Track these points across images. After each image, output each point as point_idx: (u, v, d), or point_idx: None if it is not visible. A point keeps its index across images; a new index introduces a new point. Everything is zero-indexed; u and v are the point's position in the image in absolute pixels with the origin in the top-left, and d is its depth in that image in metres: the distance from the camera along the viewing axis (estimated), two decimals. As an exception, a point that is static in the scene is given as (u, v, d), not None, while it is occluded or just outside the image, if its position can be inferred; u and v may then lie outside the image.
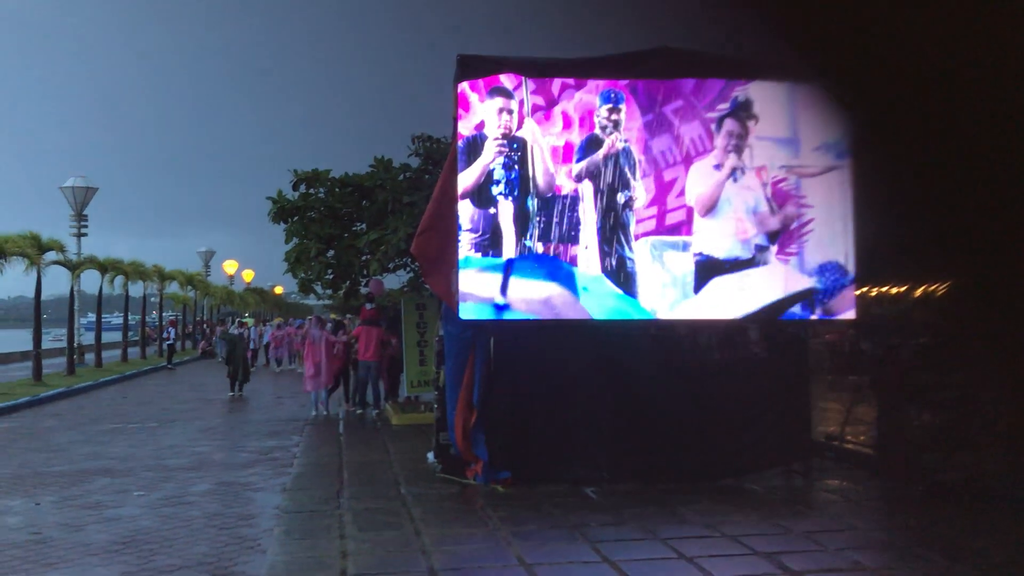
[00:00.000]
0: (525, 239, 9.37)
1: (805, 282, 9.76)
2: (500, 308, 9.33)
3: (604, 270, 9.45)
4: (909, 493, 8.85)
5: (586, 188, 9.53)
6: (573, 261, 9.41)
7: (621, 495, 9.14)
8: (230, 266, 60.89)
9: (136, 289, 35.92)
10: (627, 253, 9.49)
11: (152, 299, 41.86)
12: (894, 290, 12.99)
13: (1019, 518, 8.08)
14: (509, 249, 9.33)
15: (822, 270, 9.79)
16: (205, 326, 51.89)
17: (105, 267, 30.45)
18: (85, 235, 30.51)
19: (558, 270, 9.41)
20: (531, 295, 9.37)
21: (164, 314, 44.45)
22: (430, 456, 10.84)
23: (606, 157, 9.54)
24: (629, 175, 9.57)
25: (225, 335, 30.12)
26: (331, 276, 16.28)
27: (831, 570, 6.56)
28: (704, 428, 9.93)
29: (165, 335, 35.76)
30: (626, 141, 9.61)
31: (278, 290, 77.43)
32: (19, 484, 10.39)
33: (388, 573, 6.56)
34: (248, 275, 67.65)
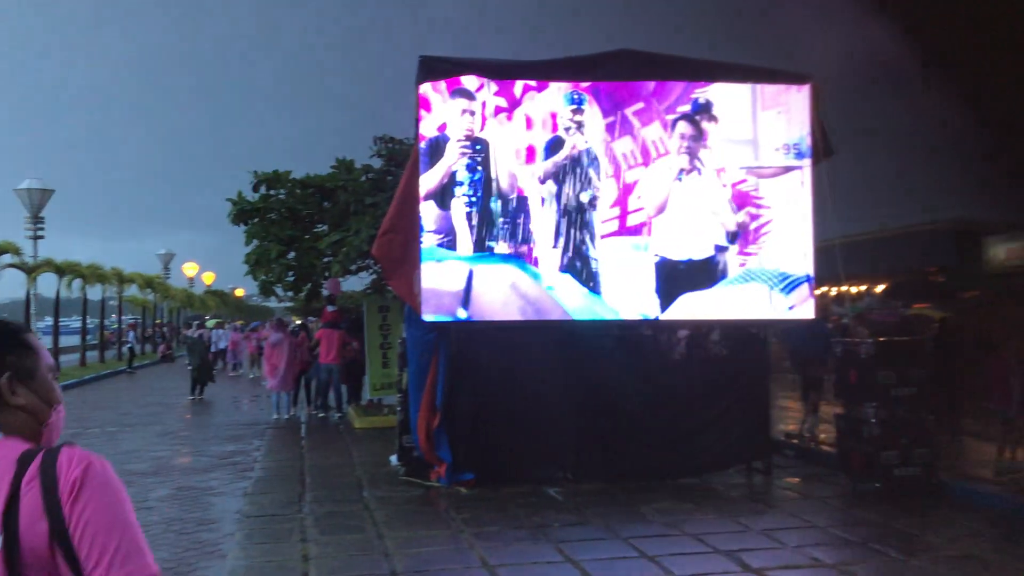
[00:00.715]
0: (489, 240, 9.37)
1: (764, 282, 9.86)
2: (462, 321, 9.36)
3: (569, 269, 9.49)
4: (868, 489, 8.96)
5: (550, 189, 9.55)
6: (537, 261, 9.43)
7: (584, 495, 9.17)
8: (190, 268, 60.16)
9: (94, 292, 35.38)
10: (591, 253, 9.53)
11: (111, 302, 41.22)
12: (853, 289, 13.19)
13: (973, 512, 8.23)
14: (470, 250, 9.34)
15: (780, 270, 9.90)
16: (165, 329, 51.25)
17: (62, 270, 29.97)
18: (42, 237, 29.96)
19: (522, 270, 9.43)
20: (495, 300, 9.38)
21: (123, 317, 43.87)
22: (393, 459, 10.79)
23: (570, 158, 9.58)
24: (593, 175, 9.61)
25: (186, 339, 29.72)
26: (292, 278, 16.16)
27: (790, 567, 6.63)
28: (666, 427, 10.01)
29: (125, 339, 35.23)
30: (587, 142, 9.64)
31: (239, 292, 76.67)
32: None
33: (350, 576, 6.53)
34: (208, 277, 66.93)
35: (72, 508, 1.59)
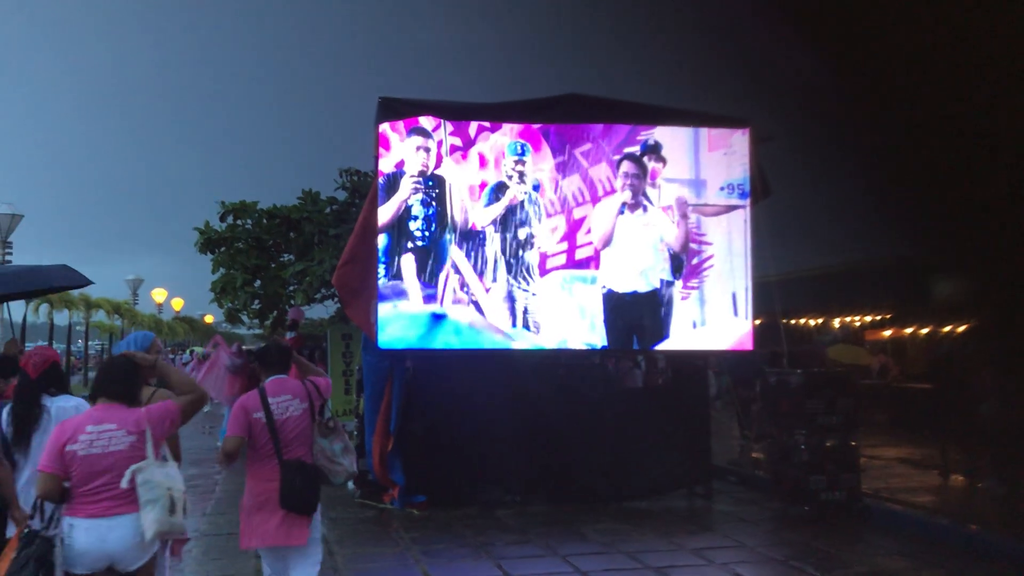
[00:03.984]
0: (440, 273, 9.86)
1: (706, 315, 10.40)
2: (438, 317, 9.82)
3: (510, 302, 9.97)
4: (797, 513, 9.46)
5: (496, 230, 10.06)
6: (484, 293, 9.92)
7: (530, 516, 9.61)
8: (159, 294, 59.89)
9: (62, 317, 35.47)
10: (531, 289, 10.02)
11: (78, 328, 41.20)
12: (792, 323, 13.80)
13: (891, 532, 8.76)
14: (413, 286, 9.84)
15: (721, 303, 10.44)
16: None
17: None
18: (10, 262, 30.10)
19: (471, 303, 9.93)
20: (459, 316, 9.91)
21: (90, 343, 43.80)
22: (349, 483, 11.13)
23: (511, 204, 10.10)
24: (534, 219, 10.13)
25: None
26: (258, 306, 16.51)
27: (712, 581, 7.10)
28: (611, 453, 10.47)
29: None
30: (534, 187, 10.16)
31: (208, 319, 76.36)
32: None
33: (299, 589, 6.90)
34: (177, 304, 66.64)
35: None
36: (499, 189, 10.12)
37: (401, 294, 9.79)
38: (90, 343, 44.19)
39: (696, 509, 10.27)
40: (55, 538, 4.16)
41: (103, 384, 4.52)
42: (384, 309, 9.72)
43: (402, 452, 10.09)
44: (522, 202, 10.13)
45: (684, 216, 10.47)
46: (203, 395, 4.81)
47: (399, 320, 9.76)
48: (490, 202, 10.08)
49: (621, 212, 10.31)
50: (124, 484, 4.23)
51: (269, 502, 5.27)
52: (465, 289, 9.92)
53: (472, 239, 10.01)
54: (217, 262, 16.18)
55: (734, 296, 10.50)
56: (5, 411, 5.13)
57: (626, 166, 10.35)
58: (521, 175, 10.15)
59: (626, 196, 10.32)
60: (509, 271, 10.02)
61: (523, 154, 10.18)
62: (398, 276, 9.79)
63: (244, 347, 19.74)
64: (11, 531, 4.84)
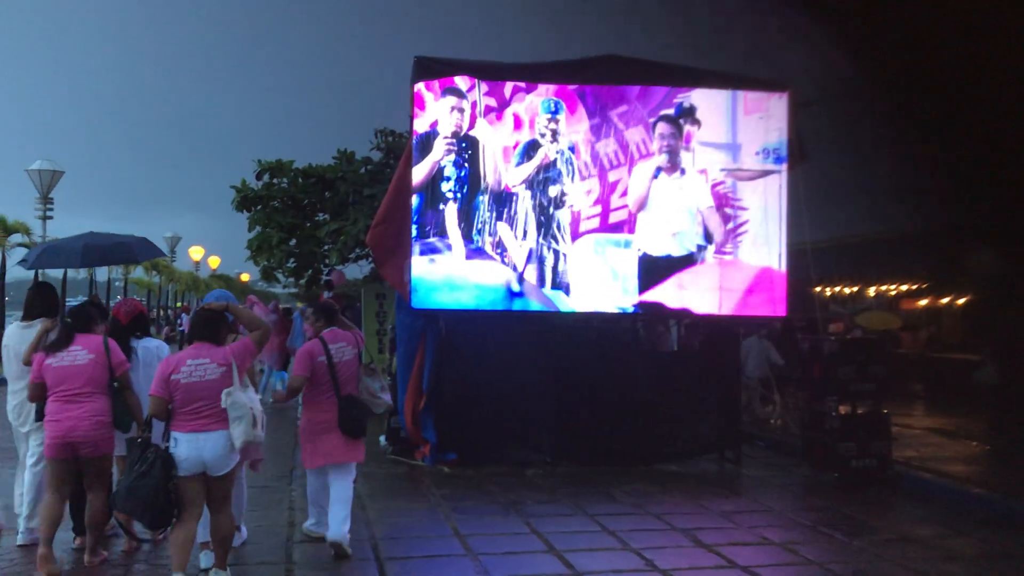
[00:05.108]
0: (472, 233, 9.90)
1: (738, 280, 10.35)
2: (474, 278, 9.97)
3: (540, 265, 10.00)
4: (827, 479, 9.47)
5: (528, 188, 10.06)
6: (515, 255, 9.95)
7: (559, 476, 9.70)
8: (196, 252, 60.49)
9: (101, 273, 35.93)
10: (562, 249, 10.03)
11: (116, 283, 41.81)
12: (826, 291, 13.72)
13: (922, 500, 8.76)
14: (456, 243, 9.87)
15: (755, 269, 10.38)
16: (170, 312, 51.87)
17: (70, 250, 30.42)
18: (51, 218, 30.38)
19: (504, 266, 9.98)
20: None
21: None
22: (382, 439, 11.30)
23: (543, 163, 10.08)
24: (567, 178, 10.11)
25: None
26: (293, 265, 16.67)
27: (739, 543, 7.12)
28: (642, 416, 10.50)
29: (179, 322, 35.47)
30: (569, 148, 10.12)
31: (244, 277, 77.11)
32: None
33: (332, 541, 7.04)
34: (214, 261, 67.30)
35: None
36: (531, 148, 10.11)
37: (435, 252, 9.85)
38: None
39: (725, 473, 10.30)
40: (167, 448, 5.46)
41: (195, 330, 5.82)
42: (418, 268, 9.80)
43: (434, 410, 10.20)
44: (554, 160, 10.11)
45: (719, 182, 10.40)
46: (268, 328, 5.97)
47: (433, 279, 9.84)
48: (521, 161, 10.08)
49: (656, 176, 10.27)
50: (224, 404, 5.41)
51: (327, 428, 6.55)
52: (497, 250, 9.95)
53: (504, 200, 10.02)
54: (253, 220, 16.34)
55: (769, 262, 10.43)
56: None
57: (661, 127, 10.27)
58: (554, 133, 10.12)
59: (662, 160, 10.28)
60: (540, 232, 10.04)
61: (556, 112, 10.14)
62: (431, 235, 9.84)
63: (281, 305, 20.00)
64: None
